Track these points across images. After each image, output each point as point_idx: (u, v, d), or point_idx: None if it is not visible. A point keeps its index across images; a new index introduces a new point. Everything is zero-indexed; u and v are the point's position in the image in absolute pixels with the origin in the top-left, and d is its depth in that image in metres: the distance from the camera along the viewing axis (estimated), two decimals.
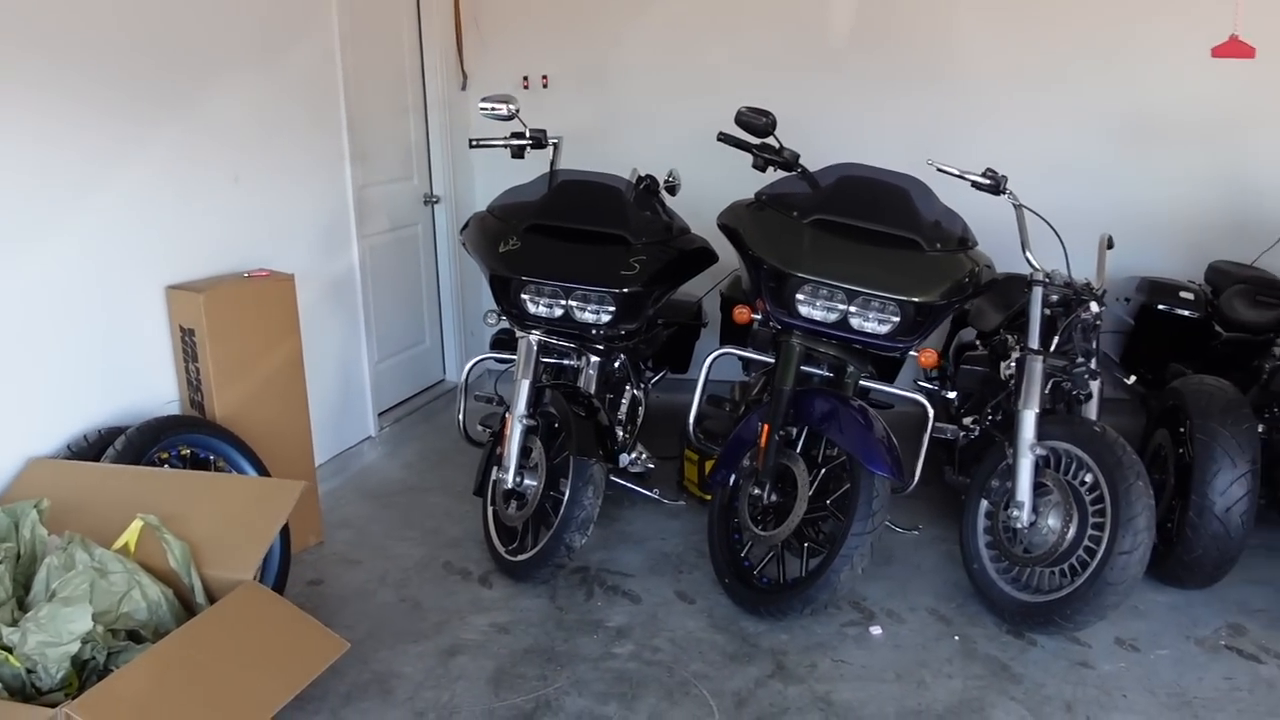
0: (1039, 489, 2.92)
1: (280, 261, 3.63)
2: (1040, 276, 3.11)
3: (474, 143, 3.64)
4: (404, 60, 4.83)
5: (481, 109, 3.44)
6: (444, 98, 5.04)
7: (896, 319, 2.94)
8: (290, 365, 3.46)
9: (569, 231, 3.28)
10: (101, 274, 2.98)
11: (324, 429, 3.90)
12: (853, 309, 2.95)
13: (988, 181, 3.10)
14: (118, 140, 3.00)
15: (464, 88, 5.22)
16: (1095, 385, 3.22)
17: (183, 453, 2.98)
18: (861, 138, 4.60)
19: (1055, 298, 3.18)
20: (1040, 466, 2.93)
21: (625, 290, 3.20)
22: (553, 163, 3.63)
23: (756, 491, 3.05)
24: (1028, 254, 3.10)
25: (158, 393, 3.19)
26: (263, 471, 3.12)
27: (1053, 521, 2.89)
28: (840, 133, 4.59)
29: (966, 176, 3.10)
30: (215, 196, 3.40)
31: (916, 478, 3.05)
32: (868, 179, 3.12)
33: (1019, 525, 2.90)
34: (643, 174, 3.68)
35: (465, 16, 5.18)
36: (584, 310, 3.24)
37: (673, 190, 3.73)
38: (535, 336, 3.29)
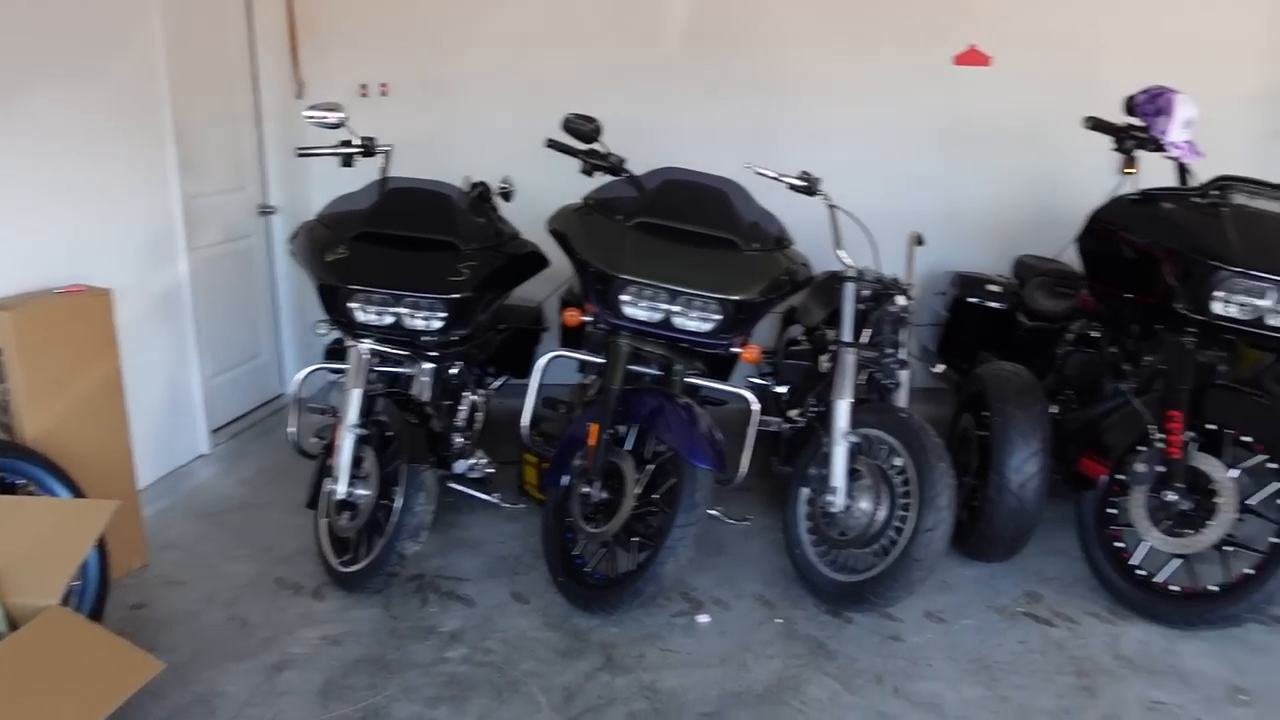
0: (853, 474, 3.07)
1: (100, 276, 3.50)
2: (851, 273, 3.27)
3: (300, 152, 3.59)
4: (235, 68, 4.73)
5: (307, 117, 3.42)
6: (279, 106, 4.96)
7: (718, 317, 3.05)
8: (107, 383, 3.34)
9: (398, 239, 3.27)
10: None
11: (150, 448, 3.78)
12: (675, 308, 3.05)
13: (803, 183, 3.25)
14: None
15: (300, 95, 5.13)
16: (904, 374, 3.40)
17: None
18: (692, 143, 4.74)
19: (866, 293, 3.35)
20: (854, 453, 3.08)
21: (454, 296, 3.22)
22: (383, 170, 3.61)
23: (587, 490, 3.11)
24: (840, 252, 3.25)
25: None
26: (78, 494, 3.01)
27: (865, 504, 3.04)
28: (672, 137, 4.72)
29: (783, 179, 3.23)
30: (27, 211, 3.26)
31: (743, 470, 3.16)
32: (689, 183, 3.22)
33: (834, 509, 3.05)
34: (476, 180, 3.71)
35: (300, 23, 5.09)
36: (414, 317, 3.24)
37: (507, 196, 3.77)
38: (366, 345, 3.27)
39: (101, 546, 2.87)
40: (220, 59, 4.59)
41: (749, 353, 3.22)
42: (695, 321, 3.06)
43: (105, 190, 3.62)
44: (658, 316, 3.06)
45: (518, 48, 5.03)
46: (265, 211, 4.96)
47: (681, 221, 3.10)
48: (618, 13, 4.96)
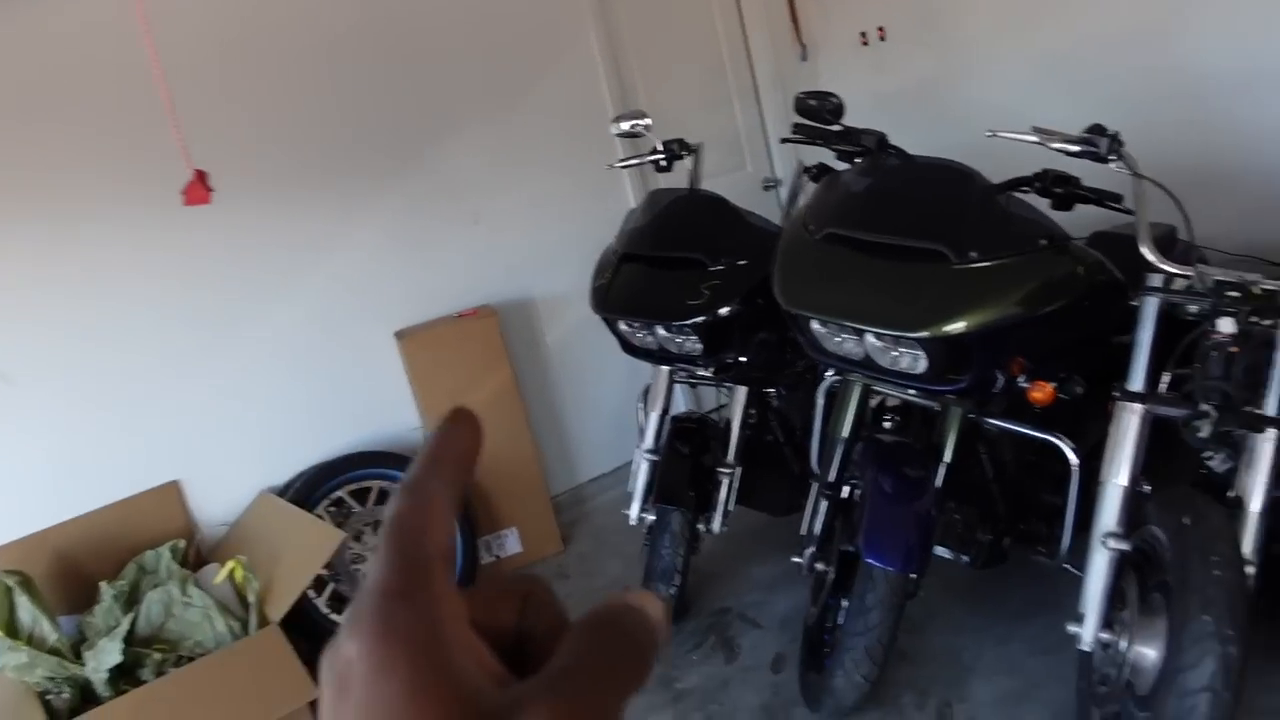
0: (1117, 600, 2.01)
1: (541, 289, 3.97)
2: (1156, 280, 2.07)
3: (613, 165, 3.54)
4: (721, 47, 4.74)
5: (616, 132, 3.34)
6: (777, 75, 4.82)
7: (922, 355, 2.23)
8: (505, 395, 3.72)
9: (657, 259, 3.04)
10: (333, 325, 3.60)
11: (594, 451, 4.20)
12: (877, 345, 2.31)
13: (1089, 146, 2.14)
14: (349, 204, 3.60)
15: (804, 58, 4.91)
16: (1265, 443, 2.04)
17: (367, 487, 3.49)
18: None
19: (1193, 308, 2.07)
20: (1124, 566, 2.01)
21: (699, 320, 2.88)
22: (691, 173, 3.36)
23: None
24: (1146, 248, 2.08)
25: (402, 421, 3.73)
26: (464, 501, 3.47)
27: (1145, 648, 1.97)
28: None
29: (1050, 142, 2.18)
30: (451, 241, 3.83)
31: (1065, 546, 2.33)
32: (900, 169, 2.39)
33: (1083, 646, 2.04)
34: (809, 165, 3.20)
35: None
36: (672, 342, 2.99)
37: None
38: (666, 367, 3.14)
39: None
40: (702, 42, 4.65)
41: (1038, 391, 2.30)
42: (906, 359, 2.28)
43: (544, 207, 4.06)
44: (859, 353, 2.36)
45: None
46: (769, 186, 4.89)
47: (874, 230, 2.30)
48: None
